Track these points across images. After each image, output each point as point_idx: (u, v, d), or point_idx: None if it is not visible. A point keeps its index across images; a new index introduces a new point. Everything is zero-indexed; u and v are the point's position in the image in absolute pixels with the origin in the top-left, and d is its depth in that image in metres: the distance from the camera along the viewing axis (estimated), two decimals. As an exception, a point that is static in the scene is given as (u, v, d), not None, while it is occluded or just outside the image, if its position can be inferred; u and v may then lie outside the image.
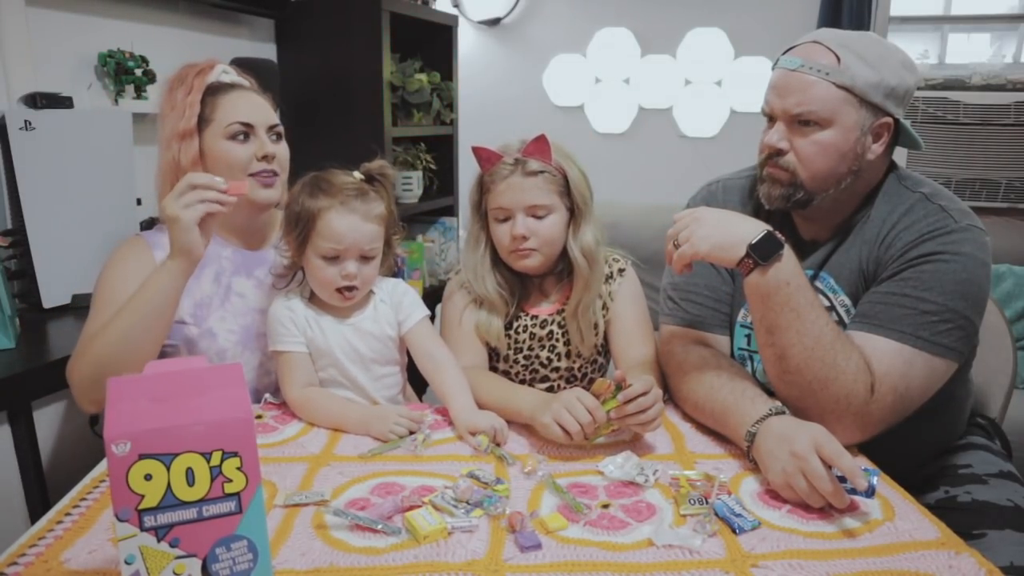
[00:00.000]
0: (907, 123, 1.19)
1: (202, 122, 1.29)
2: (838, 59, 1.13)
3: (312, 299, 1.29)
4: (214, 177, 1.13)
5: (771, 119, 1.21)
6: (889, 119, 1.16)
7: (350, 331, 1.27)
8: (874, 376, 1.08)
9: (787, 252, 1.10)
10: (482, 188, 1.38)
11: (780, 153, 1.18)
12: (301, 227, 1.22)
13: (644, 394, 1.08)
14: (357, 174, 1.25)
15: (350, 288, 1.23)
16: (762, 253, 1.08)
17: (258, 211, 1.34)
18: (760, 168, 1.24)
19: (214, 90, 1.31)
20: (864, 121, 1.14)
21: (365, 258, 1.23)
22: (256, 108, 1.32)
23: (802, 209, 1.21)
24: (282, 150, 1.34)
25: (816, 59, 1.14)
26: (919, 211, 1.15)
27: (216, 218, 1.13)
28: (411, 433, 1.16)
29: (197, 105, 1.28)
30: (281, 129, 1.34)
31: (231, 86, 1.33)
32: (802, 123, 1.15)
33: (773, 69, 1.22)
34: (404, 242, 2.31)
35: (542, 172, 1.33)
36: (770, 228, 1.10)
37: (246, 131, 1.29)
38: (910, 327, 1.09)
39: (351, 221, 1.20)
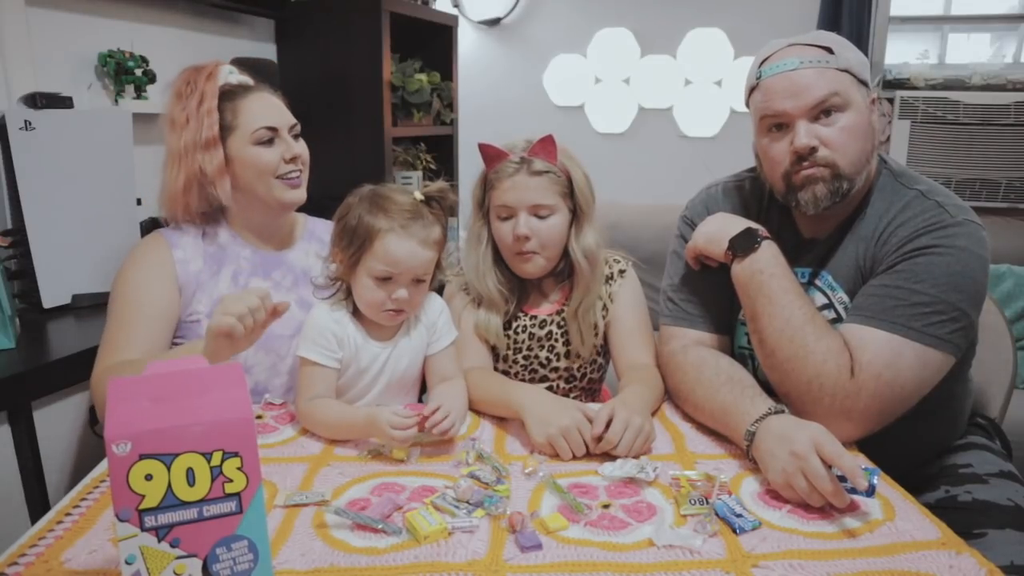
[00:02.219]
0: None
1: (223, 129, 1.28)
2: (827, 50, 1.17)
3: (356, 313, 1.25)
4: (262, 300, 1.06)
5: (779, 127, 1.19)
6: (874, 95, 1.21)
7: (387, 355, 1.26)
8: (856, 362, 1.09)
9: (765, 245, 1.19)
10: (486, 185, 1.38)
11: (812, 151, 1.16)
12: (357, 245, 1.18)
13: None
14: (417, 194, 1.21)
15: (398, 310, 1.21)
16: (739, 245, 1.21)
17: (281, 212, 1.35)
18: (786, 179, 1.20)
19: (229, 94, 1.30)
20: (866, 98, 1.19)
21: (417, 281, 1.21)
22: (278, 110, 1.33)
23: (842, 201, 1.19)
24: (304, 149, 1.35)
25: (809, 55, 1.17)
26: (915, 207, 1.16)
27: (233, 341, 1.06)
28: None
29: (215, 113, 1.27)
30: (299, 127, 1.36)
31: (245, 88, 1.32)
32: (824, 113, 1.16)
33: (759, 80, 1.21)
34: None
35: (547, 172, 1.33)
36: (751, 226, 1.21)
37: (272, 135, 1.29)
38: (901, 318, 1.10)
39: (410, 246, 1.16)
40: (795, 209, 1.24)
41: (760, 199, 1.33)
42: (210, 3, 2.21)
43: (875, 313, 1.12)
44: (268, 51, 2.58)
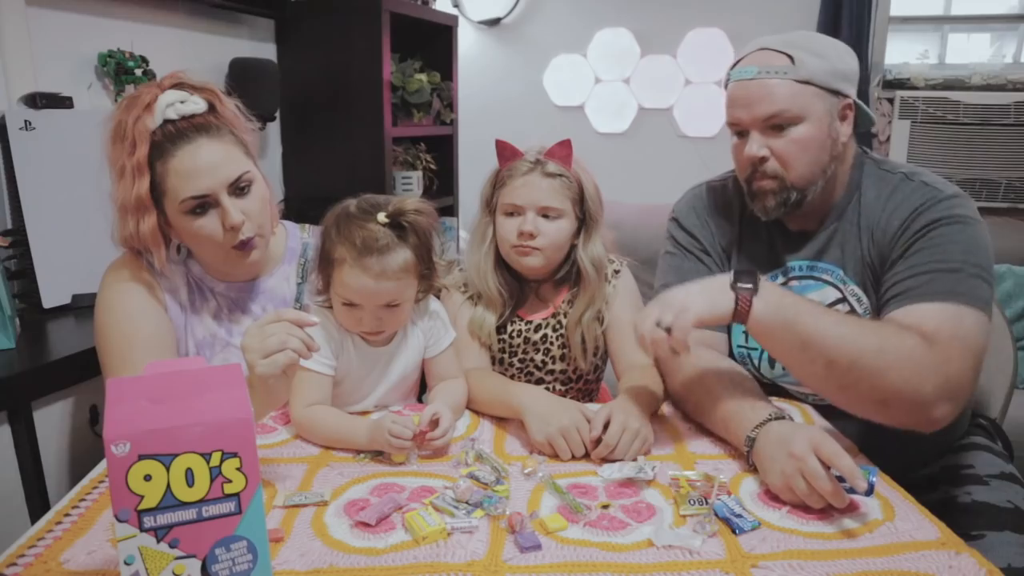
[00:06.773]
0: (860, 102, 1.24)
1: (155, 189, 1.10)
2: (790, 58, 1.16)
3: None
4: (304, 319, 0.99)
5: (740, 134, 1.23)
6: (849, 100, 1.20)
7: (383, 360, 1.25)
8: (925, 335, 1.03)
9: (760, 278, 1.08)
10: (496, 183, 1.38)
11: (763, 161, 1.20)
12: (326, 270, 1.16)
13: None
14: (382, 216, 1.13)
15: (375, 332, 1.20)
16: (748, 280, 1.06)
17: (249, 267, 1.23)
18: (747, 185, 1.25)
19: (159, 147, 1.09)
20: (831, 108, 1.18)
21: (390, 306, 1.16)
22: (209, 168, 1.10)
23: (798, 210, 1.23)
24: (252, 202, 1.15)
25: (770, 63, 1.17)
26: (904, 190, 1.19)
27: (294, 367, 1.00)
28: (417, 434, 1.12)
29: (145, 171, 1.08)
30: (251, 174, 1.15)
31: (178, 136, 1.09)
32: (776, 126, 1.18)
33: (726, 86, 1.24)
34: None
35: (560, 176, 1.33)
36: (729, 274, 1.08)
37: (203, 202, 1.11)
38: (943, 286, 1.09)
39: (363, 282, 1.12)
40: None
41: (742, 197, 1.33)
42: (210, 3, 2.21)
43: (921, 292, 1.10)
44: (268, 51, 2.58)
